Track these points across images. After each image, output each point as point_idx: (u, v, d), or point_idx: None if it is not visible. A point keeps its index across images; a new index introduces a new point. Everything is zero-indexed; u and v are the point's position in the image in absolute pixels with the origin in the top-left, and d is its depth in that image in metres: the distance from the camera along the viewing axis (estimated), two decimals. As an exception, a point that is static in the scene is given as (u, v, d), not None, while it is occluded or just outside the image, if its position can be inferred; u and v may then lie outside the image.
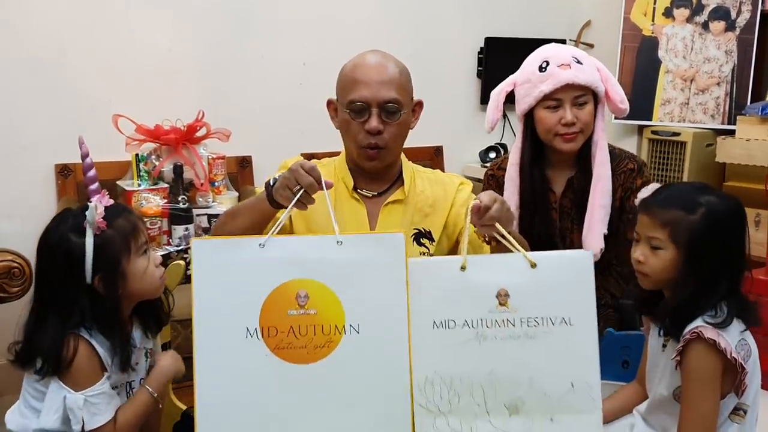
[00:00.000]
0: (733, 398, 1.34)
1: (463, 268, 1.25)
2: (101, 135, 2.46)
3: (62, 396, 1.32)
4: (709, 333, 1.29)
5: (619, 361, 1.76)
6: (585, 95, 1.84)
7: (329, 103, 1.67)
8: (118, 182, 2.57)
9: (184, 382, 1.45)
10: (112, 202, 1.40)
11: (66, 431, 1.34)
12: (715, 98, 3.20)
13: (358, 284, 1.27)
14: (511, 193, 1.93)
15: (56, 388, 1.33)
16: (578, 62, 1.83)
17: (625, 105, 1.89)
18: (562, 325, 1.23)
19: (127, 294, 1.39)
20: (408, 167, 1.70)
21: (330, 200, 1.33)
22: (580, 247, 1.89)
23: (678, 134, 3.19)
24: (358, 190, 1.66)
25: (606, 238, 1.85)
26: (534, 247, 1.84)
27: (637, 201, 1.44)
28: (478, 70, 3.55)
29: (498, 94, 1.94)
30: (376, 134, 1.57)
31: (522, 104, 1.89)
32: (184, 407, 1.67)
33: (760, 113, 2.84)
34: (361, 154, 1.61)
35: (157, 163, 2.52)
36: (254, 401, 1.26)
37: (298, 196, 1.34)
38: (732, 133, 2.98)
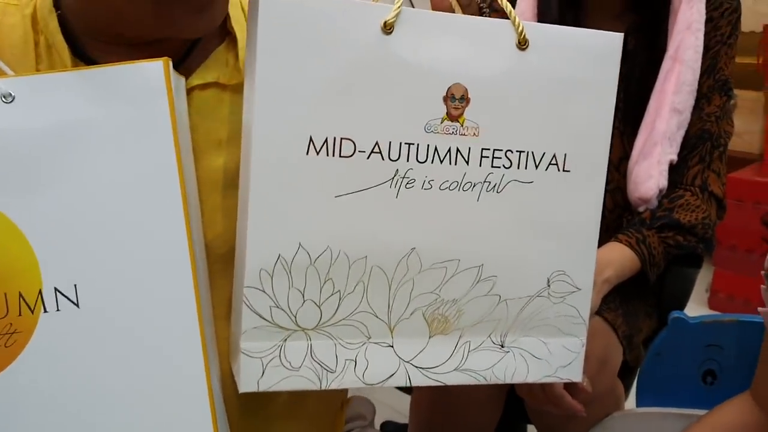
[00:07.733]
0: None
1: (387, 27, 0.57)
2: None
3: None
4: None
5: (698, 371, 1.01)
6: None
7: None
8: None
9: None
10: None
11: None
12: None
13: (62, 191, 0.57)
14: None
15: None
16: None
17: None
18: (551, 169, 0.64)
19: None
20: None
21: None
22: (623, 167, 1.09)
23: None
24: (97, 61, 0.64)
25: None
26: None
27: None
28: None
29: None
30: None
31: None
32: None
33: None
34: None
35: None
36: None
37: None
38: None
